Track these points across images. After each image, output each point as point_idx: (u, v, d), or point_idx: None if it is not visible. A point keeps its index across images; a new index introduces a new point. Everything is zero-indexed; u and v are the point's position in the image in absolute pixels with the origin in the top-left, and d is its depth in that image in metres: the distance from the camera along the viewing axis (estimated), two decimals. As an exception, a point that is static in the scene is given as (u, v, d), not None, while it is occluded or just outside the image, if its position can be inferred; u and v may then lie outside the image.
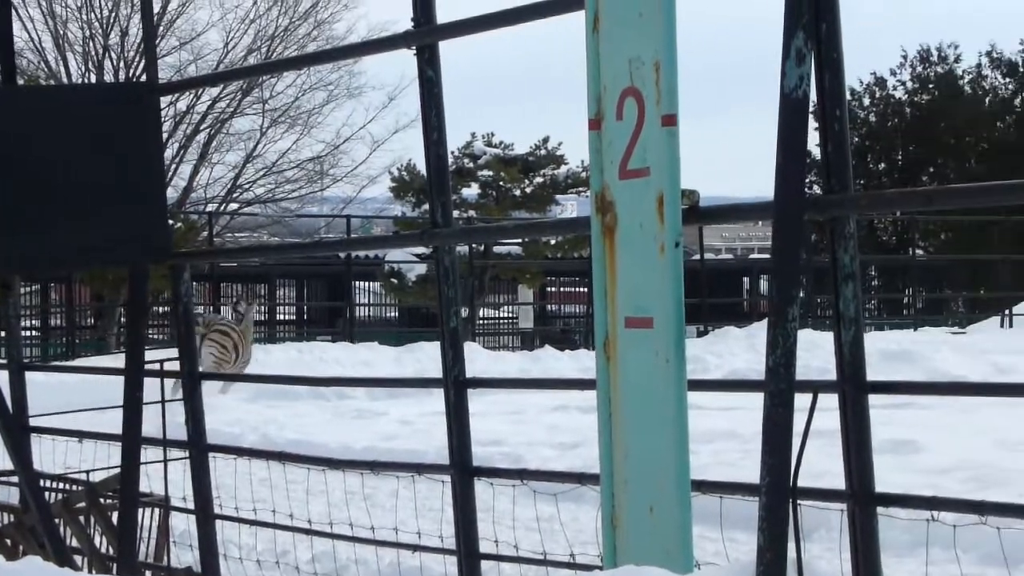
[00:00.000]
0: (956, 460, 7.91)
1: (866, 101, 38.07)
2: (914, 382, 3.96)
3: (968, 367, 13.97)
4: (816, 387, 3.10)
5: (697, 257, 23.43)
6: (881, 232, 36.25)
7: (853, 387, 3.22)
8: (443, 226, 4.09)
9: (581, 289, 30.50)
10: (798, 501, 2.93)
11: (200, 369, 5.54)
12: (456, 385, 4.10)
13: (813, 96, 3.09)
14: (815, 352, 12.80)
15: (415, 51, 4.07)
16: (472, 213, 25.56)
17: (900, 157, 37.78)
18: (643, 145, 3.19)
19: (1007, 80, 38.22)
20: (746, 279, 35.05)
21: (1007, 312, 21.59)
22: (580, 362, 16.01)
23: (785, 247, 2.98)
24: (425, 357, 16.03)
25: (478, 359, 15.45)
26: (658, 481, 3.14)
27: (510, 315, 32.18)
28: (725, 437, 9.35)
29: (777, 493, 2.84)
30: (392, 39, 4.35)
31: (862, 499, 3.15)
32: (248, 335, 15.91)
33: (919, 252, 32.02)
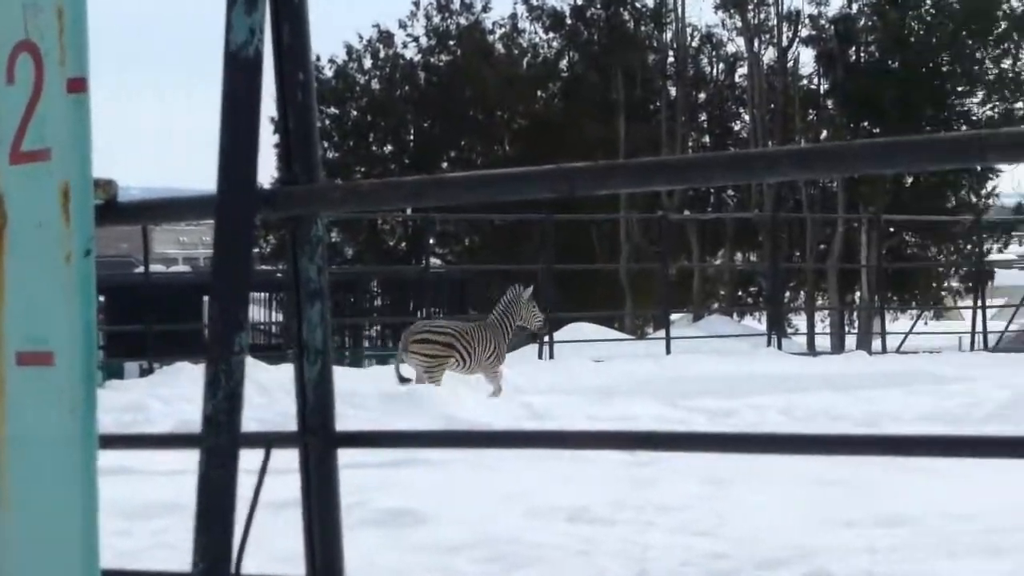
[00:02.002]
0: (473, 534, 8.26)
1: (367, 63, 38.41)
2: (406, 432, 4.04)
3: (495, 412, 14.66)
4: (270, 440, 3.17)
5: (141, 269, 23.28)
6: (387, 235, 37.12)
7: (319, 440, 3.30)
8: None
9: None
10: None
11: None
12: None
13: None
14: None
15: None
16: None
17: (412, 136, 38.39)
18: (42, 118, 3.16)
19: (551, 35, 39.66)
20: (207, 299, 35.12)
21: (546, 339, 22.82)
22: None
23: (228, 256, 3.03)
24: None
25: None
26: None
27: None
28: (169, 511, 9.35)
29: (216, 582, 2.82)
30: None
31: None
32: (491, 331, 18.19)
33: (436, 261, 33.13)
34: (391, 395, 15.13)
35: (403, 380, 17.31)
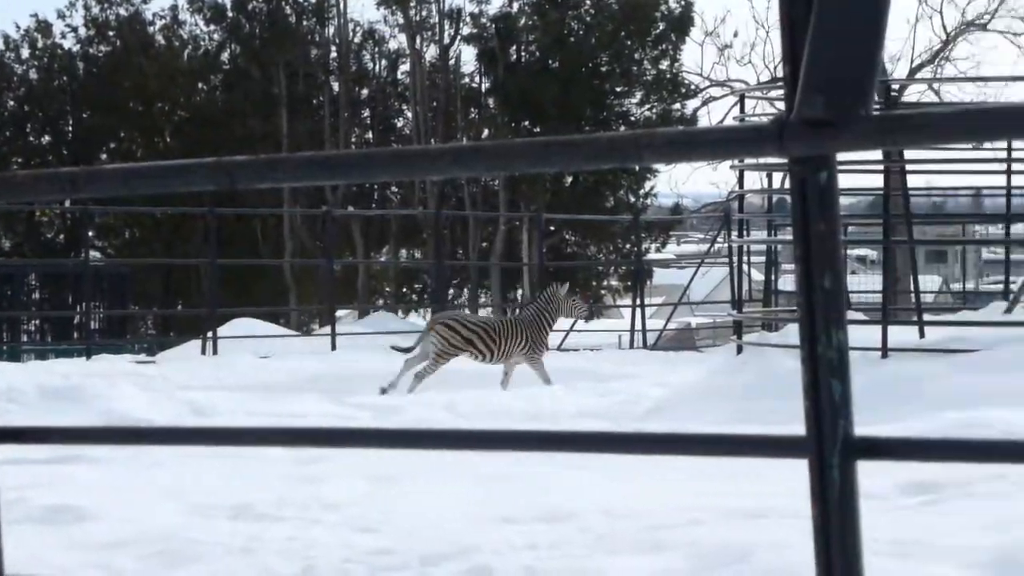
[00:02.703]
0: (136, 531, 8.16)
1: (24, 52, 37.86)
2: (73, 429, 4.01)
3: (158, 408, 14.49)
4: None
5: None
6: (46, 228, 36.47)
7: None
8: None
9: None
10: None
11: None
12: None
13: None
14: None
15: None
16: None
17: (71, 127, 37.98)
18: None
19: (212, 28, 39.55)
20: None
21: (210, 335, 22.61)
22: None
23: None
24: None
25: None
26: None
27: None
28: None
29: None
30: None
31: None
32: (524, 325, 19.12)
33: (96, 254, 32.58)
34: (51, 390, 14.80)
35: (402, 350, 19.00)
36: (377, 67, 40.01)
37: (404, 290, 39.75)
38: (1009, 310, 15.69)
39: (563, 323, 32.70)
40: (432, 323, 19.50)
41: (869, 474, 6.86)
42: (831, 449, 1.29)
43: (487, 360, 19.30)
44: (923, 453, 1.39)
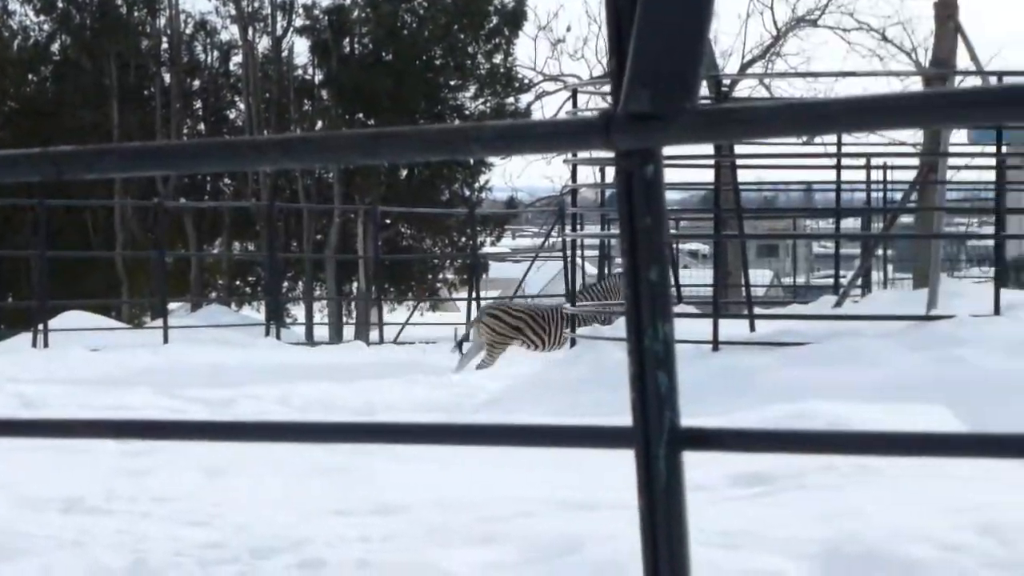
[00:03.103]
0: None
1: None
2: None
3: (-12, 401, 14.27)
4: None
5: None
6: None
7: None
8: None
9: None
10: None
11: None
12: None
13: None
14: None
15: None
16: None
17: None
18: None
19: (42, 19, 39.08)
20: None
21: (41, 328, 22.29)
22: None
23: None
24: None
25: None
26: None
27: None
28: None
29: None
30: None
31: None
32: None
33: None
34: None
35: (458, 345, 19.41)
36: (209, 58, 39.66)
37: (237, 283, 39.42)
38: (839, 304, 15.98)
39: (399, 315, 32.69)
40: (479, 315, 19.68)
41: (702, 465, 6.99)
42: (657, 440, 1.30)
43: (540, 348, 19.38)
44: (748, 443, 1.40)
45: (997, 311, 13.18)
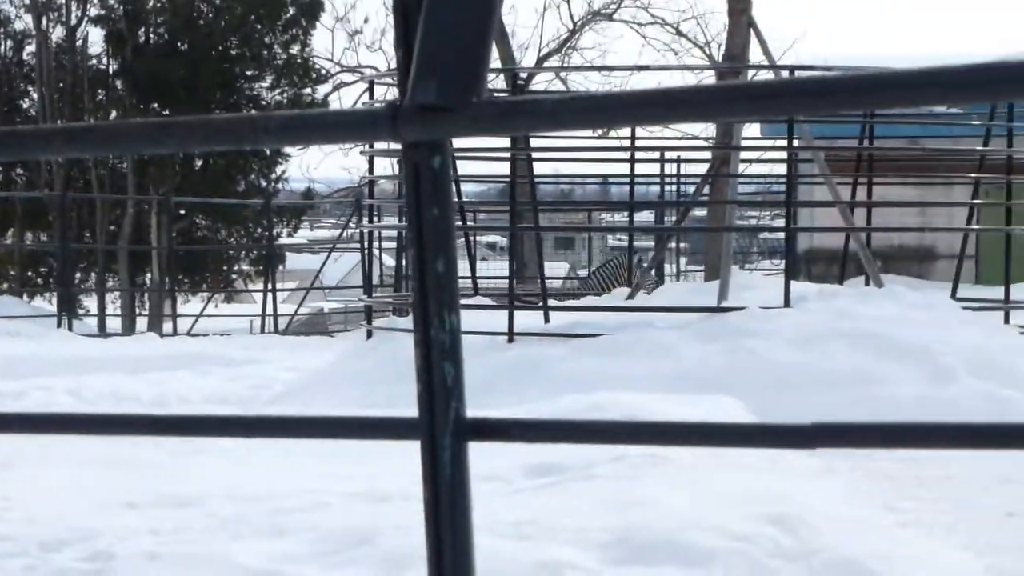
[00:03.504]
0: None
1: None
2: None
3: None
4: None
5: None
6: None
7: None
8: None
9: None
10: None
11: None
12: None
13: None
14: None
15: None
16: None
17: None
18: None
19: None
20: None
21: None
22: None
23: None
24: None
25: None
26: None
27: None
28: None
29: None
30: None
31: None
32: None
33: None
34: None
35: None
36: (2, 48, 38.84)
37: (29, 274, 38.63)
38: (632, 296, 16.16)
39: (194, 307, 32.33)
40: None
41: (496, 456, 6.99)
42: (442, 431, 1.30)
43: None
44: (534, 434, 1.41)
45: (787, 303, 13.43)
